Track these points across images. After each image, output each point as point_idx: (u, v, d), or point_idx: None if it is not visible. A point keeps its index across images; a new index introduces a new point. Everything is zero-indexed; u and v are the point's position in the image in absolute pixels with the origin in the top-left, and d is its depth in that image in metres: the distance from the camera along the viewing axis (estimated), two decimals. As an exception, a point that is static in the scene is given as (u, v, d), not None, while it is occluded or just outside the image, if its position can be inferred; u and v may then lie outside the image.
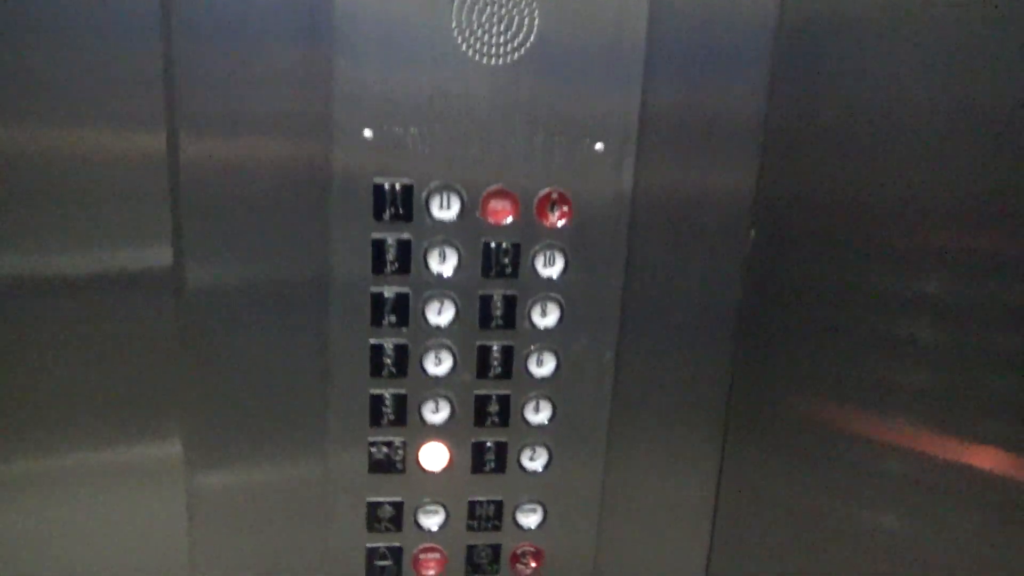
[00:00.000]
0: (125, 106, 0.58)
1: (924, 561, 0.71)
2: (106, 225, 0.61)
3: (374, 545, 0.70)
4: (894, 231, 0.66)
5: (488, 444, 0.69)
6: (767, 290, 0.69)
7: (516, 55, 0.60)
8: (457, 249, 0.64)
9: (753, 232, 0.67)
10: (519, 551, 0.72)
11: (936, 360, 0.67)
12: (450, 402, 0.67)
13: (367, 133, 0.60)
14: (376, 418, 0.67)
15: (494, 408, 0.68)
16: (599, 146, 0.63)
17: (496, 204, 0.63)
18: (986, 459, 0.68)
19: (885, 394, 0.69)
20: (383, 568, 0.70)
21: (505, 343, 0.66)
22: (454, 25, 0.59)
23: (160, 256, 0.62)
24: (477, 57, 0.59)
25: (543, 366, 0.67)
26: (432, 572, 0.72)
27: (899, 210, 0.66)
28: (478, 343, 0.66)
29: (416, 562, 0.71)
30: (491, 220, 0.63)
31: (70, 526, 0.67)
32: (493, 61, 0.60)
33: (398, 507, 0.69)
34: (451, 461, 0.69)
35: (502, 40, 0.59)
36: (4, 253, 0.60)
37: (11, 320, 0.62)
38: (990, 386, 0.67)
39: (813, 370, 0.70)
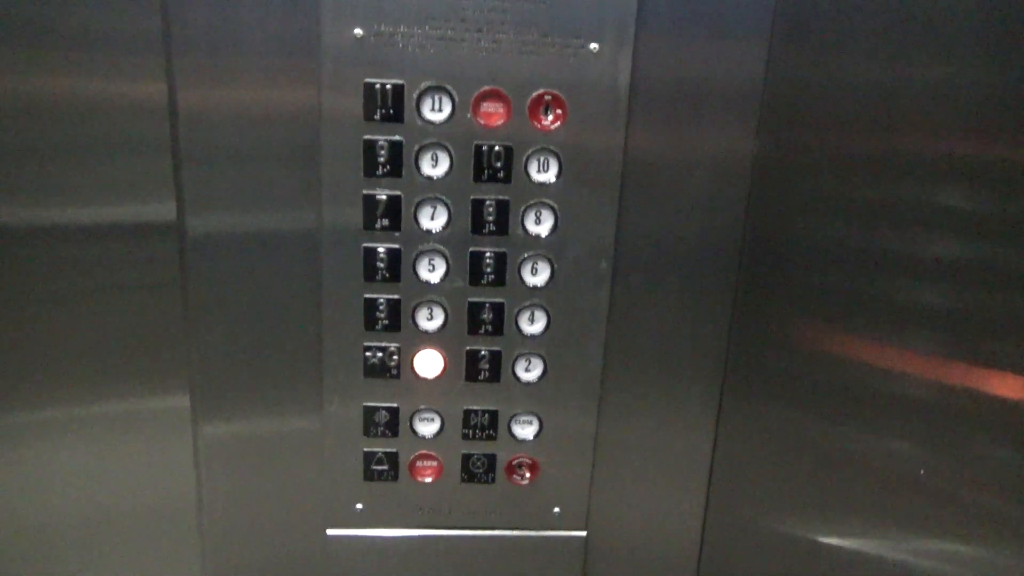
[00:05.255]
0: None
1: (937, 491, 0.68)
2: (109, 176, 0.62)
3: (371, 450, 0.71)
4: (909, 138, 0.62)
5: (482, 352, 0.68)
6: (773, 209, 0.66)
7: (506, -52, 0.58)
8: (449, 152, 0.63)
9: (757, 141, 0.64)
10: (515, 462, 0.72)
11: (950, 280, 0.64)
12: (444, 309, 0.67)
13: (357, 31, 0.60)
14: (370, 323, 0.67)
15: (487, 316, 0.67)
16: (594, 46, 0.61)
17: (488, 106, 0.62)
18: (1002, 385, 0.65)
19: (896, 318, 0.66)
20: (380, 472, 0.72)
21: (498, 250, 0.65)
22: (442, -84, 0.57)
23: (163, 206, 0.63)
24: (466, -50, 0.58)
25: (537, 275, 0.66)
26: (428, 479, 0.72)
27: (915, 116, 0.62)
28: (471, 249, 0.65)
29: (412, 468, 0.72)
30: (482, 122, 0.62)
31: (82, 472, 0.70)
32: (482, -46, 0.58)
33: (393, 413, 0.70)
34: (445, 369, 0.69)
35: (491, -69, 0.58)
36: (9, 205, 0.62)
37: (17, 272, 0.64)
38: (1008, 307, 0.63)
39: (821, 294, 0.67)
